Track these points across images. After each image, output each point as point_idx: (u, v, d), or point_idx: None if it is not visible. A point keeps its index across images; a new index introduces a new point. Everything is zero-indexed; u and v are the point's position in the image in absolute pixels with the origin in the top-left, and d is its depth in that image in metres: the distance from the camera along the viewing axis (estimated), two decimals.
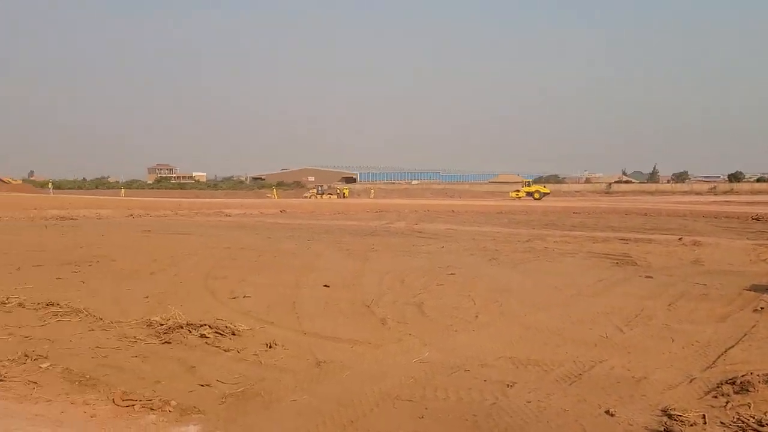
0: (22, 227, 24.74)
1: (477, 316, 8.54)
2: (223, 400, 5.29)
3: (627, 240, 19.55)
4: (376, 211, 40.79)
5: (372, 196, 73.53)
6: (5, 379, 5.58)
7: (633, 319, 8.31)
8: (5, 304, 8.74)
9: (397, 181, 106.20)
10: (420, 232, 24.15)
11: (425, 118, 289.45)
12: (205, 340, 7.04)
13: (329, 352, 6.74)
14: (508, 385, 5.64)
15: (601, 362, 6.36)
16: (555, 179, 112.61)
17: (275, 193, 76.69)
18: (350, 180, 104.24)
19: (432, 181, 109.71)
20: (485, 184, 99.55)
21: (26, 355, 6.27)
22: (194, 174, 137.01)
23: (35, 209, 34.00)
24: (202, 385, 5.62)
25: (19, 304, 8.73)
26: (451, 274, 12.36)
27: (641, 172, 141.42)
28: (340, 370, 6.11)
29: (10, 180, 77.90)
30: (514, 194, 66.37)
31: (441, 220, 32.13)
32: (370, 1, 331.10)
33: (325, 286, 10.83)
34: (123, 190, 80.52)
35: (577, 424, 4.81)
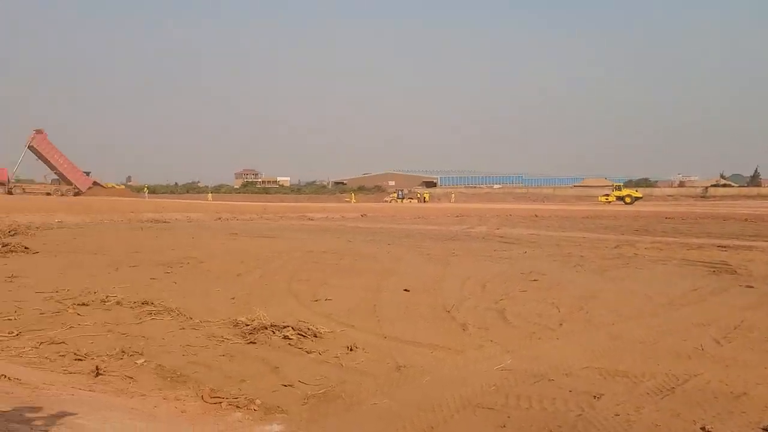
0: (121, 230, 26.25)
1: (561, 324, 8.28)
2: (306, 401, 5.37)
3: (725, 247, 18.44)
4: (457, 216, 40.53)
5: (453, 200, 73.11)
6: (105, 373, 5.91)
7: (731, 331, 7.80)
8: (105, 302, 9.26)
9: (478, 185, 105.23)
10: (502, 237, 23.77)
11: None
12: (288, 341, 7.19)
13: (409, 356, 6.72)
14: (594, 397, 5.42)
15: (695, 376, 6.00)
16: (646, 183, 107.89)
17: (353, 197, 77.73)
18: (431, 184, 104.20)
19: (514, 185, 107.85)
20: (570, 188, 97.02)
21: (123, 351, 6.62)
22: (278, 178, 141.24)
23: (132, 213, 35.96)
24: (285, 386, 5.73)
25: (118, 303, 9.22)
26: (534, 280, 12.07)
27: (741, 175, 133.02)
28: (420, 375, 6.08)
29: (113, 185, 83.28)
30: (603, 198, 64.21)
31: (523, 225, 31.50)
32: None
33: (406, 290, 10.83)
34: (210, 194, 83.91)
35: None
